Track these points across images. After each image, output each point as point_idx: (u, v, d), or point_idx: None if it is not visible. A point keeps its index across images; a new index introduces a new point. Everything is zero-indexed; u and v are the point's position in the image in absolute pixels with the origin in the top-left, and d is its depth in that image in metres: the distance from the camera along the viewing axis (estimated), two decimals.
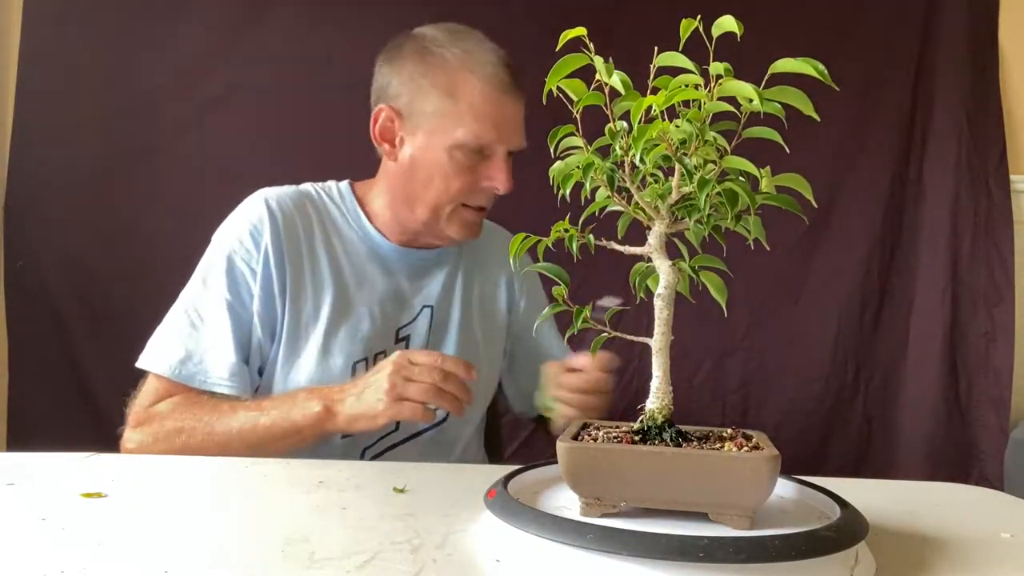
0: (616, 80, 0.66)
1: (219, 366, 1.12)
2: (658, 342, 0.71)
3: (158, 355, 1.13)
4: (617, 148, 0.69)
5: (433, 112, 1.13)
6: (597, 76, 0.67)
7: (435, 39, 1.16)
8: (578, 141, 0.71)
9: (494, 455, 1.38)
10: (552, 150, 0.72)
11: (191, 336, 1.13)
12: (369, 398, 1.01)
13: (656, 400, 0.71)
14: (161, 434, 1.08)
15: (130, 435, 1.12)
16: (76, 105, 2.14)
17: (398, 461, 1.17)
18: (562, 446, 0.67)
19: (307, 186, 1.25)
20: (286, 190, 1.22)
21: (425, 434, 1.21)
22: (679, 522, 0.65)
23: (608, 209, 0.73)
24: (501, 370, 1.34)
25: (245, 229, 1.17)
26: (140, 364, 1.14)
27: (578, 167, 0.71)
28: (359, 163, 1.26)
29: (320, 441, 1.08)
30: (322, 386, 1.09)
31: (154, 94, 2.16)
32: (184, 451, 1.06)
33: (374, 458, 1.18)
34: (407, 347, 1.21)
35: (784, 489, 0.77)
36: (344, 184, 1.27)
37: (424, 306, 1.24)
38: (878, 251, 2.28)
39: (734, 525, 0.65)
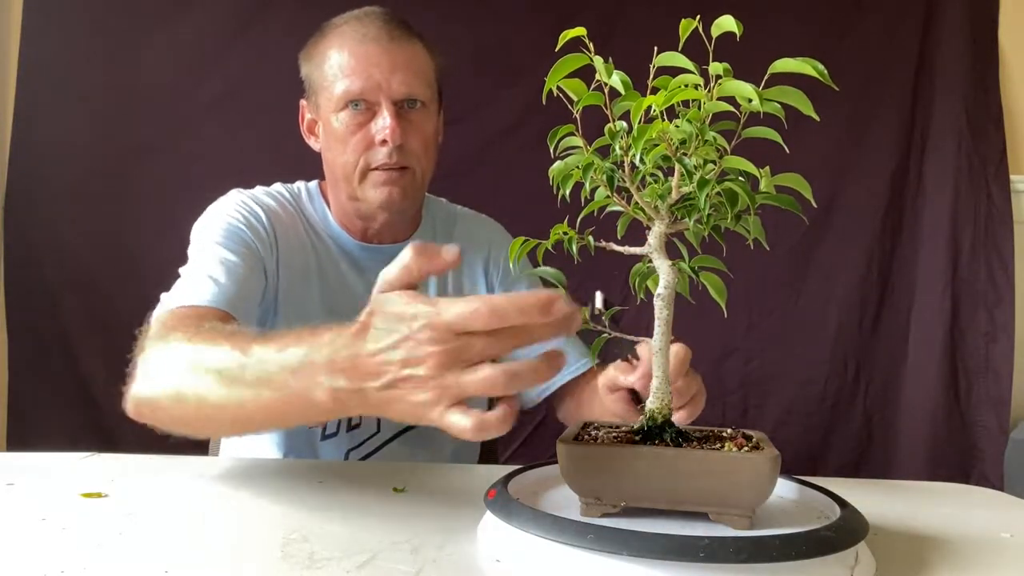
0: (616, 80, 0.66)
1: (205, 284, 1.01)
2: (658, 342, 0.71)
3: (175, 297, 1.00)
4: (617, 148, 0.69)
5: (319, 86, 1.15)
6: (597, 76, 0.67)
7: (328, 22, 1.17)
8: (578, 141, 0.71)
9: (489, 456, 1.37)
10: (552, 150, 0.72)
11: (217, 274, 1.02)
12: (409, 397, 0.63)
13: (656, 400, 0.71)
14: (158, 365, 0.86)
15: (135, 367, 0.90)
16: (76, 105, 2.14)
17: (388, 461, 1.16)
18: (562, 446, 0.67)
19: (277, 186, 1.24)
20: (259, 189, 1.21)
21: (412, 431, 1.19)
22: (679, 522, 0.65)
23: (608, 209, 0.73)
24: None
25: (233, 208, 1.14)
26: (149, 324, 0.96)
27: (578, 167, 0.71)
28: None
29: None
30: (319, 347, 0.68)
31: (154, 94, 2.16)
32: (168, 397, 0.83)
33: (359, 460, 1.17)
34: None
35: (784, 489, 0.77)
36: (313, 184, 1.26)
37: None
38: (878, 251, 2.28)
39: (734, 525, 0.65)
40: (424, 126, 1.15)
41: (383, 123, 1.10)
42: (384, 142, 1.11)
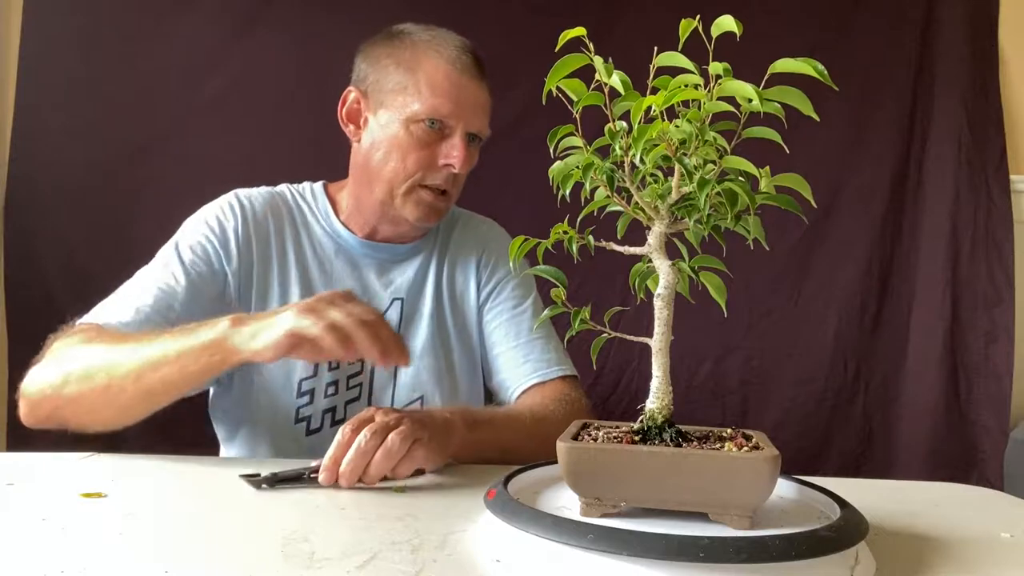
0: (616, 80, 0.66)
1: (126, 308, 1.08)
2: (658, 342, 0.71)
3: (94, 312, 1.10)
4: (617, 148, 0.69)
5: (394, 88, 1.16)
6: (597, 76, 0.67)
7: (407, 28, 1.20)
8: (578, 141, 0.71)
9: None
10: (552, 150, 0.72)
11: (142, 292, 1.11)
12: (274, 319, 0.92)
13: (656, 400, 0.71)
14: (54, 360, 1.01)
15: (26, 377, 1.03)
16: (76, 105, 2.14)
17: None
18: (562, 446, 0.67)
19: (282, 187, 1.28)
20: (259, 190, 1.25)
21: None
22: (679, 522, 0.65)
23: (608, 209, 0.73)
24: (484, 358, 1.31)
25: (212, 214, 1.20)
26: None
27: (578, 167, 0.71)
28: None
29: (219, 369, 0.95)
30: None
31: (154, 95, 2.16)
32: (71, 380, 0.97)
33: None
34: None
35: (784, 489, 0.77)
36: (318, 184, 1.29)
37: (394, 299, 1.24)
38: (878, 251, 2.27)
39: (734, 525, 0.65)
40: (474, 160, 1.21)
41: (455, 151, 1.15)
42: (448, 166, 1.16)
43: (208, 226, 1.18)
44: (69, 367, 0.98)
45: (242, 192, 1.23)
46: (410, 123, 1.15)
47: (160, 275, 1.13)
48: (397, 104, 1.16)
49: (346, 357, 0.88)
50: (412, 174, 1.16)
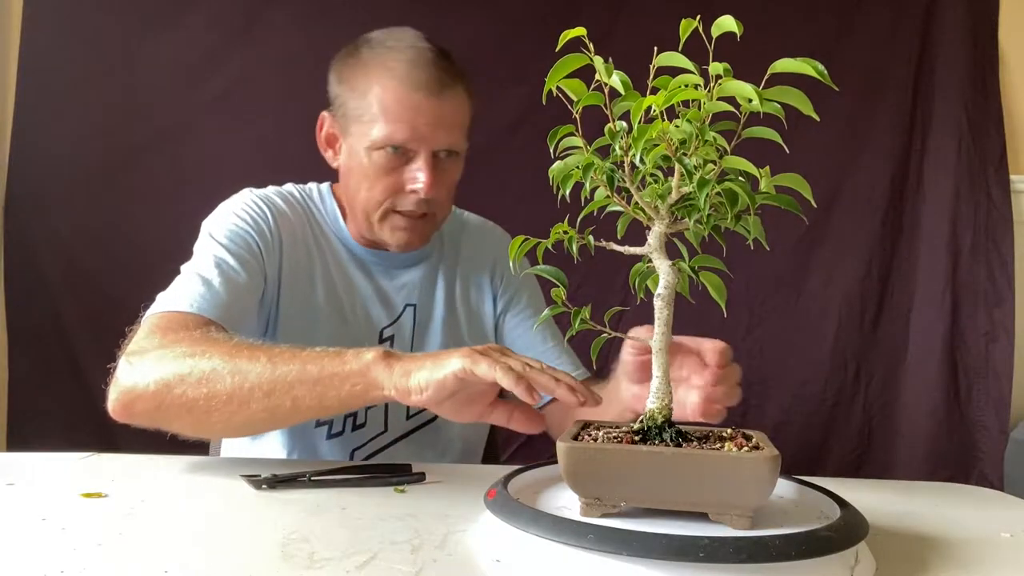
0: (616, 80, 0.66)
1: (206, 295, 1.01)
2: (658, 342, 0.71)
3: (168, 300, 1.01)
4: (617, 148, 0.69)
5: (353, 114, 1.12)
6: (597, 76, 0.67)
7: (368, 40, 1.14)
8: (578, 141, 0.71)
9: (490, 457, 1.37)
10: (552, 150, 0.72)
11: (212, 277, 1.03)
12: (439, 359, 0.84)
13: (656, 400, 0.71)
14: (166, 355, 0.90)
15: (122, 363, 0.93)
16: (76, 105, 2.14)
17: (391, 462, 1.17)
18: (562, 446, 0.67)
19: (289, 186, 1.24)
20: (272, 189, 1.22)
21: (415, 434, 1.20)
22: (679, 522, 0.65)
23: (608, 209, 0.73)
24: None
25: (241, 208, 1.15)
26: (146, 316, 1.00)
27: (578, 167, 0.71)
28: None
29: (359, 403, 0.88)
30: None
31: (154, 94, 2.16)
32: (188, 381, 0.87)
33: (364, 460, 1.17)
34: (391, 347, 1.19)
35: (784, 489, 0.77)
36: (324, 186, 1.26)
37: (407, 305, 1.22)
38: (878, 251, 2.28)
39: (734, 525, 0.65)
40: (453, 174, 1.16)
41: (419, 175, 1.10)
42: (415, 192, 1.11)
43: (241, 219, 1.13)
44: (181, 368, 0.88)
45: (258, 191, 1.19)
46: (371, 151, 1.10)
47: (214, 263, 1.06)
48: (357, 132, 1.11)
49: (527, 399, 0.79)
50: (382, 202, 1.12)
